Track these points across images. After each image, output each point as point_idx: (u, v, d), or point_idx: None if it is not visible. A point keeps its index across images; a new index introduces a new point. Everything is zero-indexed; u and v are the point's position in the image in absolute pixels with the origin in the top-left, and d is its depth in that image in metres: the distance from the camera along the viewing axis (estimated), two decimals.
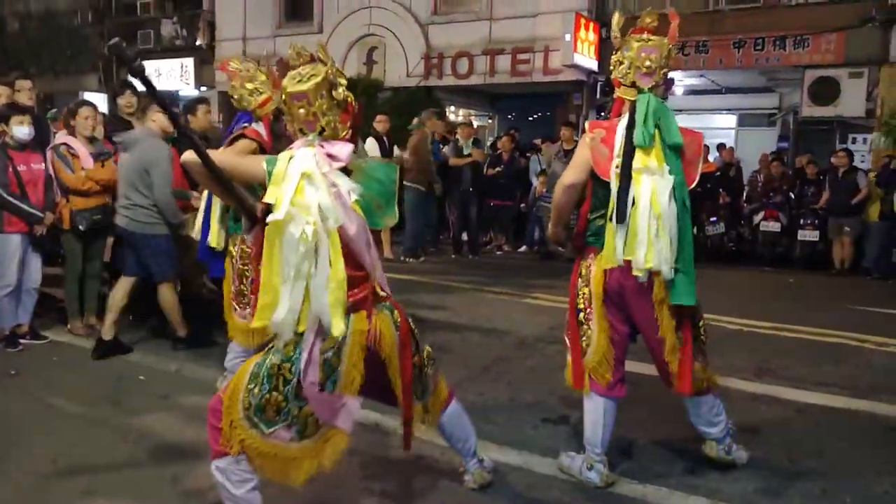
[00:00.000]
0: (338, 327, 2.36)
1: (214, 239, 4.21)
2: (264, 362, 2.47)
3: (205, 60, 18.90)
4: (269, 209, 2.36)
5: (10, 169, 4.96)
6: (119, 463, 3.41)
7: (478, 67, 14.84)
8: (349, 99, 2.52)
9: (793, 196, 10.49)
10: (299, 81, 2.46)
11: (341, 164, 2.43)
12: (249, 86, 4.19)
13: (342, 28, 16.47)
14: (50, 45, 18.83)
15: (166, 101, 2.61)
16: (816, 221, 9.82)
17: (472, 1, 15.21)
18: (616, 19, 3.21)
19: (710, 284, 8.46)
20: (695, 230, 5.80)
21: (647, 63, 3.11)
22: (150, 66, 19.31)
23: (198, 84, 19.00)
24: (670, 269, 3.00)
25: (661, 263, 2.97)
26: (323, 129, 2.47)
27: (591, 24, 13.41)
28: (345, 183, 2.41)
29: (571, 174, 3.19)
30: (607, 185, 3.09)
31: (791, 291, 8.47)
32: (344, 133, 2.53)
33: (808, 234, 9.78)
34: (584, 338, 3.28)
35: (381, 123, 9.66)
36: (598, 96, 14.08)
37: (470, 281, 8.18)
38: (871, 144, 11.65)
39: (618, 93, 3.24)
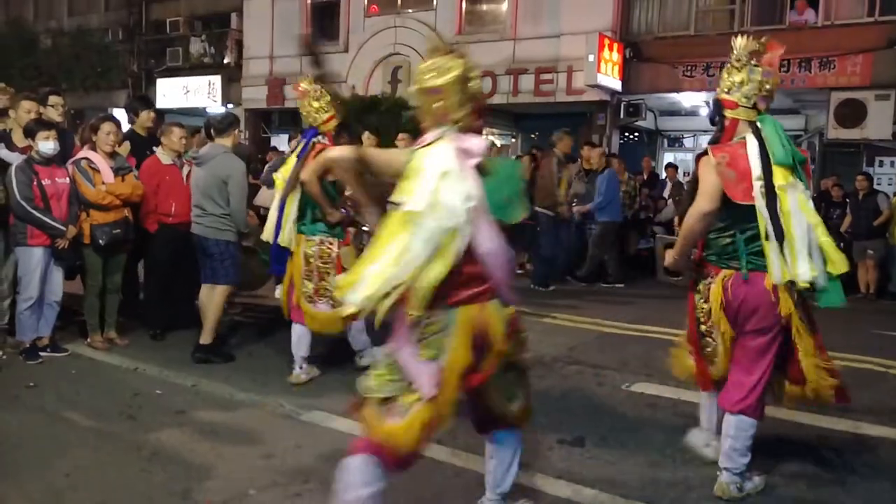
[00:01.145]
0: (418, 309, 2.42)
1: (285, 239, 4.74)
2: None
3: (232, 78, 19.20)
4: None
5: (35, 183, 5.04)
6: (132, 477, 3.42)
7: (501, 87, 14.89)
8: (479, 93, 2.61)
9: None
10: (435, 76, 2.50)
11: (476, 160, 2.48)
12: (316, 104, 4.76)
13: (368, 47, 16.65)
14: (81, 62, 19.26)
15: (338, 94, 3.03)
16: (842, 245, 9.65)
17: (497, 21, 15.32)
18: (743, 42, 3.34)
19: None
20: None
21: (768, 87, 3.32)
22: (178, 83, 19.70)
23: (225, 101, 19.28)
24: (825, 278, 3.17)
25: (819, 274, 3.14)
26: (456, 122, 2.52)
27: (616, 45, 13.40)
28: (477, 182, 2.46)
29: (707, 202, 3.22)
30: (735, 206, 3.18)
31: (816, 315, 8.31)
32: (475, 125, 2.59)
33: None
34: (707, 349, 3.47)
35: (402, 142, 9.70)
36: (621, 116, 14.05)
37: None
38: None
39: (734, 114, 3.35)
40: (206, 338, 5.35)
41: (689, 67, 13.05)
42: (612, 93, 13.73)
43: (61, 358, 5.32)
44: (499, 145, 13.58)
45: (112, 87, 19.78)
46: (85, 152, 5.45)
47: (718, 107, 3.45)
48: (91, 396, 4.57)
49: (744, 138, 3.28)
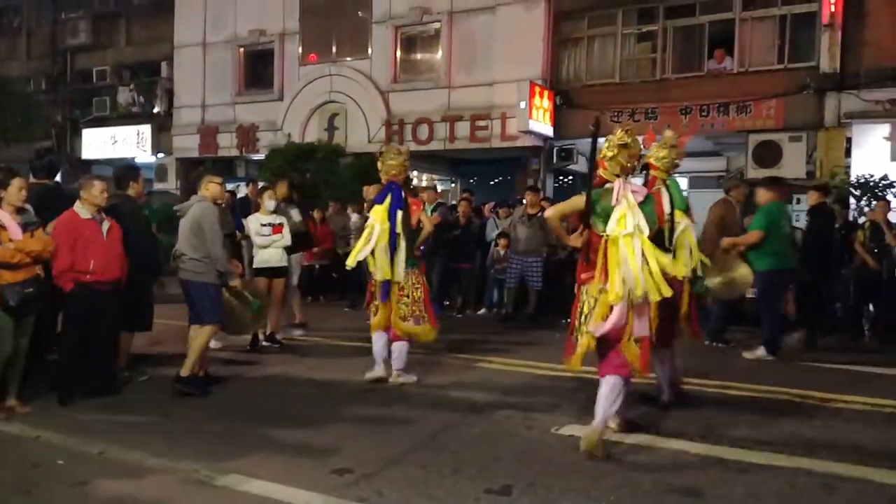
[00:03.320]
0: (666, 292, 4.33)
1: (400, 274, 6.08)
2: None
3: (162, 127, 18.96)
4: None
5: None
6: None
7: (438, 133, 15.13)
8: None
9: None
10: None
11: (641, 198, 4.44)
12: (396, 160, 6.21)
13: (303, 95, 16.73)
14: (2, 112, 18.71)
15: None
16: None
17: (432, 69, 15.64)
18: (670, 134, 5.38)
19: None
20: None
21: (677, 161, 5.40)
22: (106, 133, 19.33)
23: (155, 150, 19.00)
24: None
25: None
26: (629, 173, 4.50)
27: (546, 92, 13.80)
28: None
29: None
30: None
31: (740, 348, 8.54)
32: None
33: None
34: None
35: (371, 191, 9.78)
36: (554, 160, 14.40)
37: (424, 345, 8.09)
38: None
39: (655, 173, 5.36)
40: (185, 370, 5.81)
41: (616, 113, 13.53)
42: (545, 138, 14.10)
43: None
44: (439, 190, 13.70)
45: (35, 137, 19.23)
46: None
47: (646, 167, 5.33)
48: None
49: (659, 189, 5.22)
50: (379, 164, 6.27)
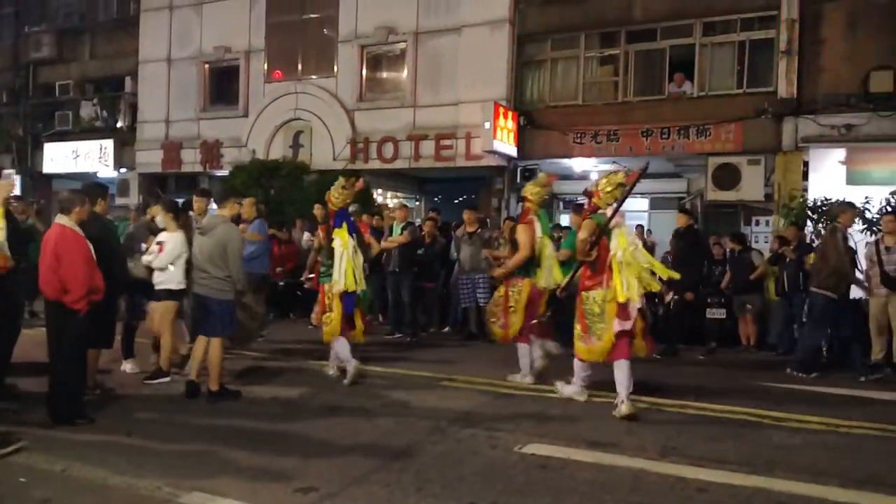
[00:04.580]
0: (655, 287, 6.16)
1: (358, 285, 7.08)
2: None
3: (125, 142, 18.71)
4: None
5: None
6: None
7: (403, 152, 15.19)
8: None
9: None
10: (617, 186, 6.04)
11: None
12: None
13: (268, 112, 16.67)
14: None
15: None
16: (723, 300, 10.22)
17: (397, 89, 15.71)
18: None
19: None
20: None
21: (546, 197, 7.44)
22: (68, 148, 19.04)
23: (117, 165, 18.72)
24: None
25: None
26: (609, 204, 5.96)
27: (510, 113, 13.97)
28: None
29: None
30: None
31: (700, 368, 8.72)
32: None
33: (716, 312, 10.14)
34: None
35: (319, 210, 9.78)
36: (518, 180, 14.53)
37: (389, 363, 8.11)
38: (773, 226, 12.35)
39: (529, 205, 7.24)
40: (213, 385, 6.25)
41: (579, 135, 13.75)
42: (509, 158, 14.24)
43: None
44: (405, 206, 13.75)
45: None
46: None
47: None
48: None
49: (532, 219, 7.16)
50: (331, 193, 7.18)
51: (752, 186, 12.63)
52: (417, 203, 17.96)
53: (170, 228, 6.96)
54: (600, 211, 5.97)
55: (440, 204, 16.44)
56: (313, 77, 16.37)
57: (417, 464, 4.67)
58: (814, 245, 9.74)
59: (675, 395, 6.63)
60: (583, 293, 6.12)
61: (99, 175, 18.18)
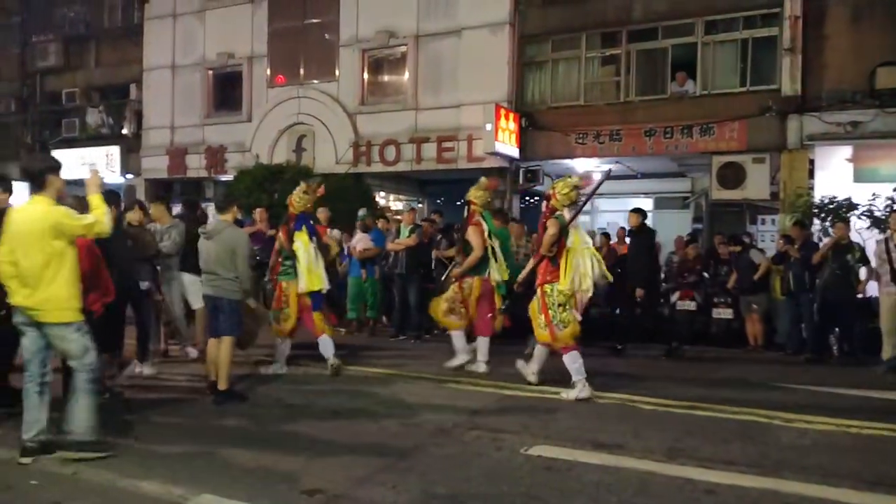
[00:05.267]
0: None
1: (320, 284, 7.58)
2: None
3: (131, 148, 18.83)
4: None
5: None
6: None
7: (405, 155, 15.20)
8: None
9: (707, 276, 10.85)
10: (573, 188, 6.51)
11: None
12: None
13: (271, 117, 16.72)
14: None
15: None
16: (729, 300, 10.18)
17: (399, 92, 15.74)
18: (484, 179, 7.86)
19: (633, 363, 8.66)
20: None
21: (489, 200, 8.03)
22: (74, 154, 19.11)
23: (124, 172, 18.83)
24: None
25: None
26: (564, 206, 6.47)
27: (511, 115, 13.97)
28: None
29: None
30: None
31: (706, 368, 8.67)
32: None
33: (722, 312, 10.12)
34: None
35: (323, 213, 9.84)
36: (520, 181, 14.54)
37: (393, 365, 8.10)
38: (779, 225, 12.29)
39: (474, 208, 7.71)
40: (222, 384, 6.27)
41: (580, 135, 13.74)
42: (511, 159, 14.23)
43: None
44: (412, 209, 13.78)
45: (3, 158, 18.96)
46: None
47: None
48: None
49: (478, 220, 7.67)
50: (292, 197, 7.54)
51: (757, 185, 12.57)
52: (420, 205, 17.97)
53: (163, 220, 7.95)
54: (558, 212, 6.50)
55: (442, 206, 16.43)
56: (315, 81, 16.42)
57: (423, 465, 4.65)
58: (820, 244, 9.69)
59: (680, 397, 6.59)
60: (545, 286, 6.55)
61: (105, 181, 18.20)
